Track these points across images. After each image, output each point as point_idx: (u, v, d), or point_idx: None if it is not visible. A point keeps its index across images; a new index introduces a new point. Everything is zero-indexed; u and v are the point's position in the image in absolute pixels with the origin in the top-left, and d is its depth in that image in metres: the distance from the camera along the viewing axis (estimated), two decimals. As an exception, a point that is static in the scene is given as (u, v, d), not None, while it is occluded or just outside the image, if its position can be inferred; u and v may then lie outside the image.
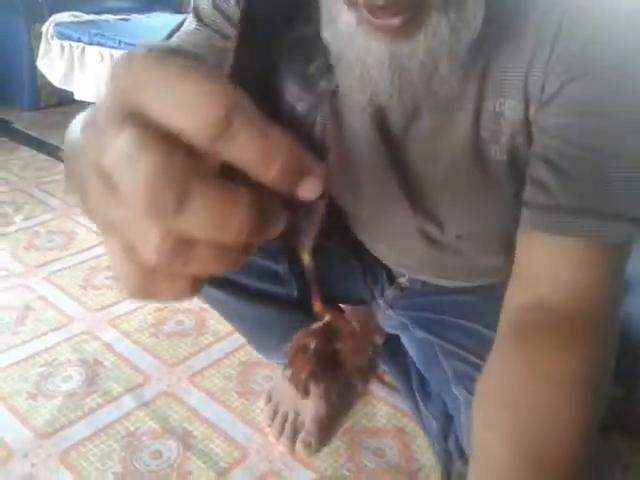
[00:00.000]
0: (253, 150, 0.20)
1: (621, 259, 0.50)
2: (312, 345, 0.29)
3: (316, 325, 0.30)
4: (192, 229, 0.21)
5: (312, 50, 0.44)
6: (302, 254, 0.29)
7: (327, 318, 0.30)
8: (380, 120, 0.57)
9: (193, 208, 0.20)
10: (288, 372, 0.30)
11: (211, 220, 0.20)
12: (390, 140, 0.59)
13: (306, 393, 0.31)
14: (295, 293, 0.80)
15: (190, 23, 0.58)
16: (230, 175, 0.21)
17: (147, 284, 0.23)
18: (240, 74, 0.43)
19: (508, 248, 0.56)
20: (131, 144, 0.20)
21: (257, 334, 0.85)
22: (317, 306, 0.30)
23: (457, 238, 0.68)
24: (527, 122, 0.52)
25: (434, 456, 0.85)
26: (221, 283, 0.75)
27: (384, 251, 0.82)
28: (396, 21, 0.43)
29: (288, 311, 0.80)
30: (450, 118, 0.55)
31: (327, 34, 0.47)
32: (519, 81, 0.51)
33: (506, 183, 0.58)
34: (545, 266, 0.49)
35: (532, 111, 0.51)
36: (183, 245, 0.21)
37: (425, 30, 0.44)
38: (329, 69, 0.44)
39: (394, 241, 0.75)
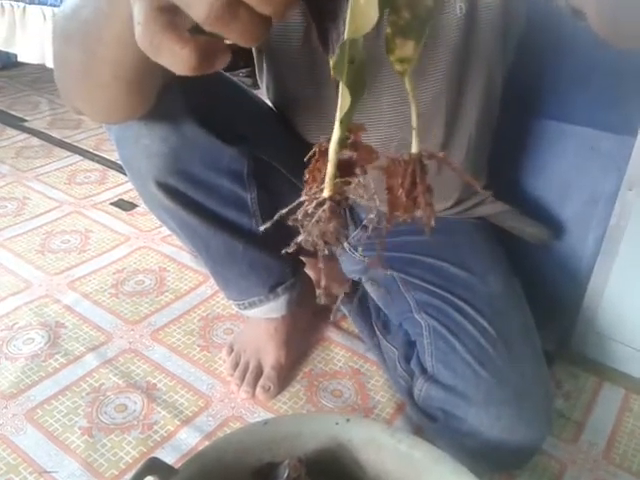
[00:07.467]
0: None
1: None
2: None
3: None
4: None
5: None
6: (329, 53, 0.30)
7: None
8: None
9: None
10: (306, 176, 0.32)
11: None
12: None
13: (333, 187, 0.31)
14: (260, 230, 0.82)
15: None
16: None
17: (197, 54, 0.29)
18: None
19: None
20: None
21: (221, 266, 0.86)
22: None
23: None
24: None
25: (392, 383, 0.90)
26: (189, 203, 0.76)
27: None
28: None
29: (252, 248, 0.82)
30: None
31: None
32: None
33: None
34: None
35: None
36: (232, 5, 0.26)
37: None
38: None
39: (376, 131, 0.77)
